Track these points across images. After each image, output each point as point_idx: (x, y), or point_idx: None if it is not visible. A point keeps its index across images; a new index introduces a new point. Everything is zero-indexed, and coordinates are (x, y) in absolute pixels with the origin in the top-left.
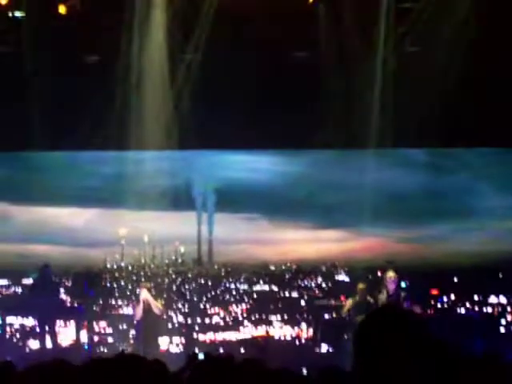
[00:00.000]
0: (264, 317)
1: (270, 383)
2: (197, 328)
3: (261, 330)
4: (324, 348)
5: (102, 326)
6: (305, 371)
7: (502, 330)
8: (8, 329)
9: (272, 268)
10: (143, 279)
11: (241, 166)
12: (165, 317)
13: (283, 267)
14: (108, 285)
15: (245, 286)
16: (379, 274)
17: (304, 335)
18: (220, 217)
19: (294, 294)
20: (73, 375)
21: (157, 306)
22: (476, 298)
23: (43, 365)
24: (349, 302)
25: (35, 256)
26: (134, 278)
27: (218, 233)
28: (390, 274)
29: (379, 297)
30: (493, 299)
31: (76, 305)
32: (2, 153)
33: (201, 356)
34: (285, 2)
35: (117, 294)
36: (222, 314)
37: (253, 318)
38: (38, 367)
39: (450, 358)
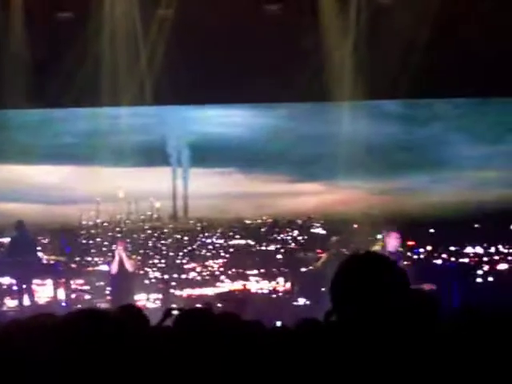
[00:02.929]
0: (241, 271)
1: (245, 335)
2: (174, 283)
3: (238, 285)
4: (301, 301)
5: (78, 283)
6: (279, 323)
7: (479, 280)
8: None
9: (248, 222)
10: (119, 235)
11: (215, 120)
12: (141, 273)
13: (259, 221)
14: (84, 242)
15: (221, 241)
16: (356, 226)
17: (281, 288)
18: (195, 172)
19: (271, 248)
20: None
21: (130, 262)
22: (452, 248)
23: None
24: (324, 256)
25: (9, 215)
26: (110, 234)
27: (193, 188)
28: (393, 232)
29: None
30: (469, 249)
31: (52, 262)
32: None
33: (175, 312)
34: None
35: (93, 251)
36: (198, 269)
37: (229, 273)
38: (15, 322)
39: (428, 307)
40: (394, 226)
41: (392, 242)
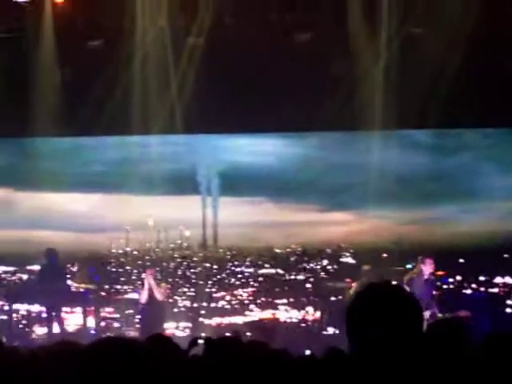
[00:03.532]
0: (270, 300)
1: (272, 363)
2: (203, 312)
3: (267, 314)
4: (330, 330)
5: (108, 311)
6: (308, 352)
7: (508, 310)
8: (14, 315)
9: (277, 251)
10: (148, 264)
11: (245, 149)
12: (170, 301)
13: (288, 250)
14: (113, 270)
15: (250, 270)
16: (386, 256)
17: (310, 318)
18: (225, 200)
19: (300, 277)
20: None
21: (160, 291)
22: (482, 278)
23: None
24: (355, 285)
25: (39, 242)
26: (140, 262)
27: (222, 216)
28: (430, 259)
29: (411, 278)
30: (498, 280)
31: (82, 290)
32: (4, 139)
33: (200, 341)
34: None
35: (122, 279)
36: (227, 298)
37: (259, 302)
38: (43, 348)
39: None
40: (428, 253)
41: (427, 269)
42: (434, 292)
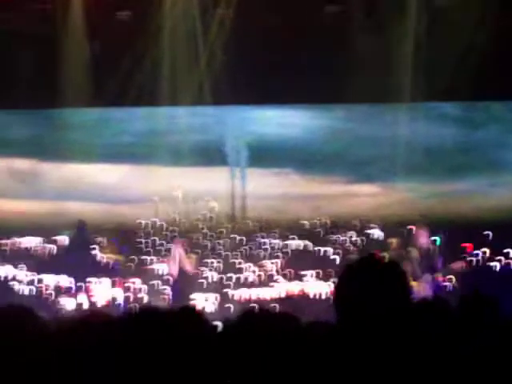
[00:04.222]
0: (297, 272)
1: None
2: (230, 284)
3: (295, 286)
4: None
5: (135, 282)
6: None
7: None
8: (42, 286)
9: (305, 223)
10: (176, 235)
11: (273, 120)
12: (197, 272)
13: (316, 222)
14: (141, 241)
15: (278, 242)
16: (411, 228)
17: None
18: (252, 172)
19: (328, 249)
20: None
21: (190, 262)
22: (510, 252)
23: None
24: (383, 257)
25: (67, 214)
26: (167, 233)
27: (250, 188)
28: (421, 229)
29: (410, 250)
30: None
31: (109, 261)
32: (32, 111)
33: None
34: None
35: (150, 250)
36: (255, 270)
37: (287, 274)
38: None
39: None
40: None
41: (422, 239)
42: (439, 261)
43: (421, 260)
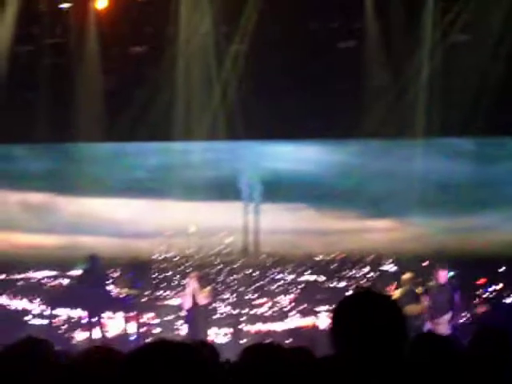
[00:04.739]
0: (311, 307)
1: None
2: (244, 318)
3: (308, 321)
4: None
5: (149, 316)
6: None
7: None
8: (55, 320)
9: (318, 258)
10: (190, 270)
11: (287, 156)
12: (212, 307)
13: (329, 257)
14: (155, 276)
15: (291, 276)
16: (427, 263)
17: None
18: (266, 207)
19: (341, 284)
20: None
21: (204, 296)
22: None
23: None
24: (396, 293)
25: (81, 248)
26: (181, 268)
27: (264, 223)
28: (438, 264)
29: (427, 286)
30: None
31: (123, 296)
32: (49, 144)
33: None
34: None
35: (164, 285)
36: (268, 305)
37: (299, 309)
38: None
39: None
40: (443, 264)
41: (441, 279)
42: (456, 298)
43: (438, 296)
